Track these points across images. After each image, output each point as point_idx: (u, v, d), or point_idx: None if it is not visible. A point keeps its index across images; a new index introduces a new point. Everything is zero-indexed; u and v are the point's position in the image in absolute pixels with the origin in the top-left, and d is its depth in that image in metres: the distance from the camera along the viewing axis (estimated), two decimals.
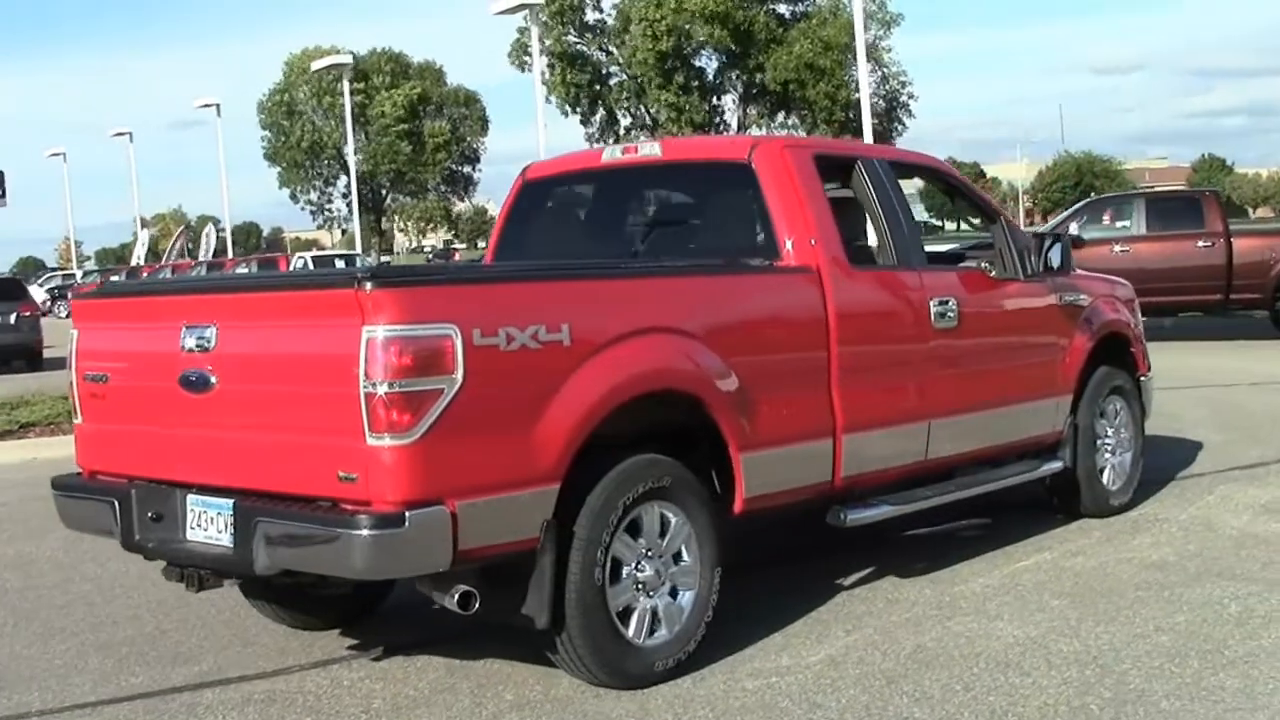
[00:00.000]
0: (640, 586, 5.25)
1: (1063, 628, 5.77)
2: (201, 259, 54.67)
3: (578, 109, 50.91)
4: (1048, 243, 7.22)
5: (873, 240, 6.90)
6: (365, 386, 4.50)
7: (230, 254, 55.52)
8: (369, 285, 4.51)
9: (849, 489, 6.23)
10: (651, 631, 5.29)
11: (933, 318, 6.56)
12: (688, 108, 47.41)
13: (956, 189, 7.49)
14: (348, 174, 56.61)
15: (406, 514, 4.51)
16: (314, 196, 71.36)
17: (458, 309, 4.66)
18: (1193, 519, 7.76)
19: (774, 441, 5.73)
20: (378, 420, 4.51)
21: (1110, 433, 8.00)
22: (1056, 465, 7.55)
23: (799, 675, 5.31)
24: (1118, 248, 19.06)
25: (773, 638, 5.82)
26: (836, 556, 7.12)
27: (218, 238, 59.92)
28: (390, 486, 4.55)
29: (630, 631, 5.20)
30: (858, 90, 46.89)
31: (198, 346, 5.05)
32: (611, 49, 48.93)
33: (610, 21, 48.88)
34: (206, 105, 57.07)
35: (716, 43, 46.70)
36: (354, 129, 62.41)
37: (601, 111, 51.05)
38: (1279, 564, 6.66)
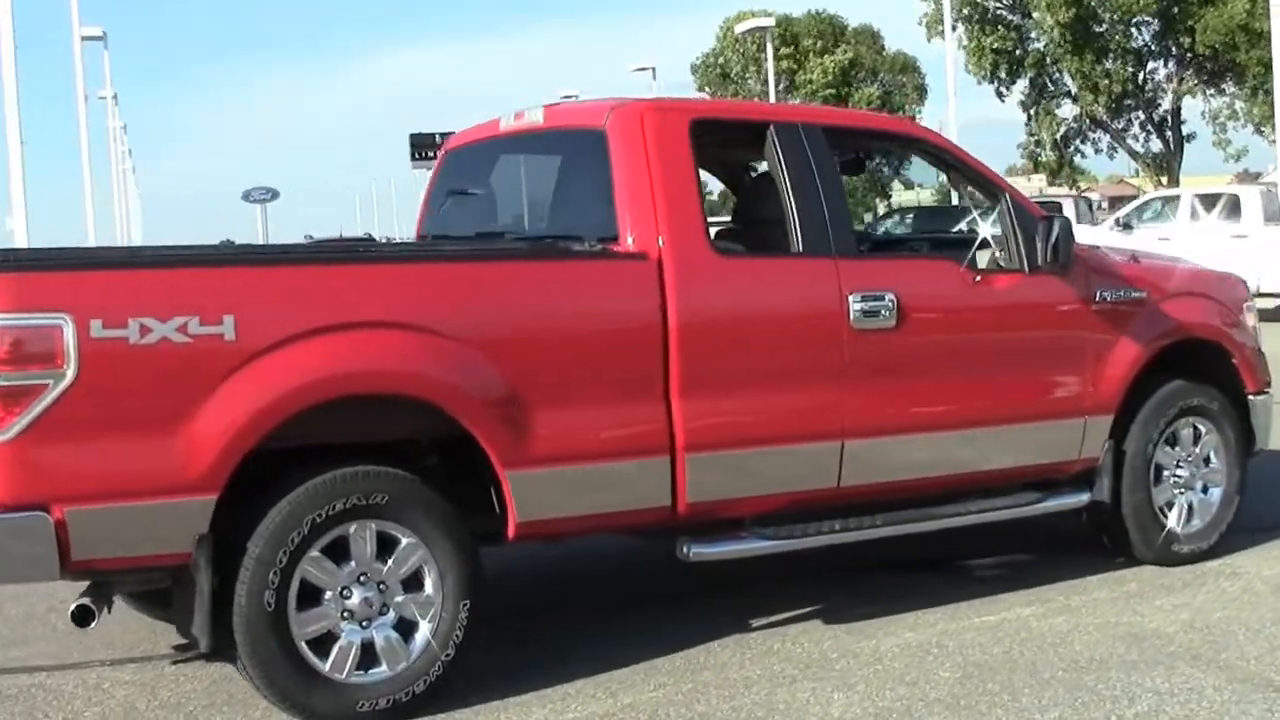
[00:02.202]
0: (348, 615, 4.61)
1: (899, 711, 4.63)
2: None
3: (996, 77, 48.27)
4: (1056, 227, 5.81)
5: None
6: None
7: None
8: None
9: (707, 517, 5.28)
10: (365, 667, 4.64)
11: (851, 316, 5.43)
12: (1106, 76, 43.82)
13: (943, 159, 6.16)
14: None
15: None
16: None
17: (73, 296, 4.20)
18: (1272, 578, 6.15)
19: (566, 458, 4.90)
20: None
21: (1183, 463, 6.45)
22: (1078, 499, 6.16)
23: None
24: None
25: (574, 684, 5.00)
26: (787, 587, 6.14)
27: None
28: None
29: (328, 665, 4.57)
30: None
31: None
32: (1033, 12, 45.98)
33: None
34: (642, 69, 58.42)
35: (1132, 12, 42.82)
36: (785, 95, 62.09)
37: (1024, 80, 48.15)
38: None
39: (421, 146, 54.97)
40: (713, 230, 6.43)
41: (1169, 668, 4.97)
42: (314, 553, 4.54)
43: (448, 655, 4.73)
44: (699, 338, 5.12)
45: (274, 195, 49.39)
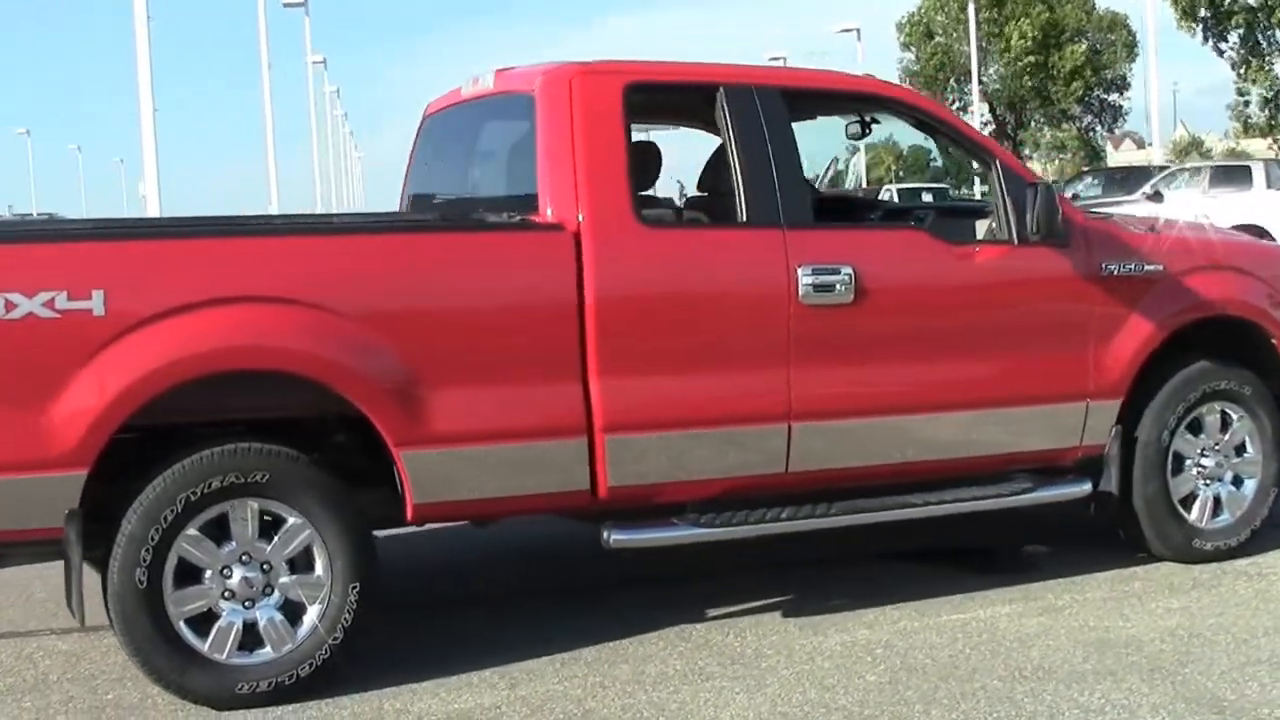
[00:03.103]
0: (229, 595, 4.52)
1: (794, 718, 4.31)
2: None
3: (1207, 32, 45.65)
4: (1038, 196, 5.31)
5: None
6: None
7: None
8: None
9: (638, 502, 5.02)
10: (249, 648, 4.54)
11: (800, 290, 5.08)
12: None
13: (924, 121, 5.69)
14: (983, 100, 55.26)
15: None
16: None
17: None
18: None
19: (469, 437, 4.71)
20: None
21: (1208, 452, 5.88)
22: (1079, 489, 5.65)
23: None
24: None
25: (481, 673, 4.81)
26: (766, 577, 5.86)
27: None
28: None
29: (207, 644, 4.49)
30: None
31: None
32: None
33: None
34: (846, 30, 57.66)
35: None
36: (989, 57, 60.36)
37: (1234, 36, 45.38)
38: (1263, 669, 4.58)
39: None
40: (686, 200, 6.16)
41: (1117, 681, 4.51)
42: (191, 531, 4.45)
43: (335, 639, 4.59)
44: (620, 313, 4.86)
45: None
